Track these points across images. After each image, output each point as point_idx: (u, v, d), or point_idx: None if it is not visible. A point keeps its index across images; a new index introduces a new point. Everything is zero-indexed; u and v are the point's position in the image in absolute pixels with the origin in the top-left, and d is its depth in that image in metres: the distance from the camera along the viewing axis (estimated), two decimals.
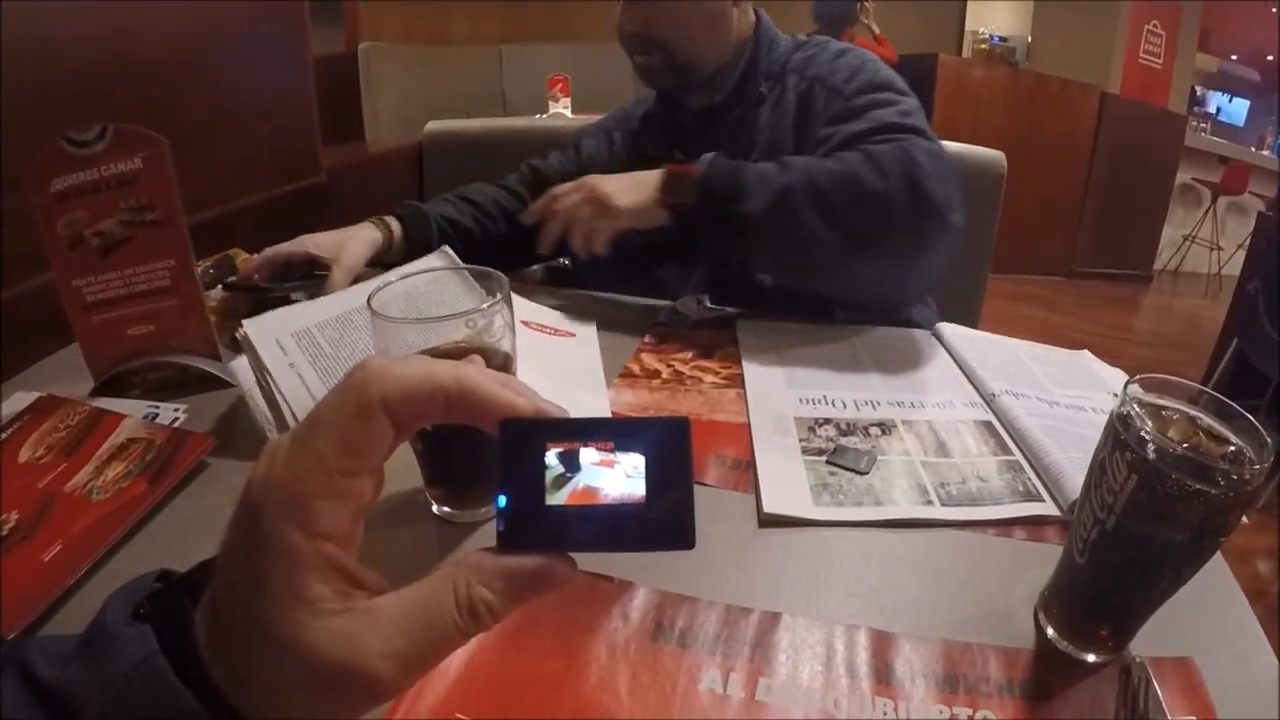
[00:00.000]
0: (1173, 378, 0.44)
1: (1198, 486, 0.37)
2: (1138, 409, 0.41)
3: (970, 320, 1.26)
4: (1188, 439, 0.41)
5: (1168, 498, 0.38)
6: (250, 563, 0.27)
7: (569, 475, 0.28)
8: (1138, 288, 5.32)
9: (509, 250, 1.13)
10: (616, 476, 0.28)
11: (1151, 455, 0.39)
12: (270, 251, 0.94)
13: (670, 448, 0.29)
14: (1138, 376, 0.44)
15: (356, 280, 0.90)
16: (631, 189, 0.88)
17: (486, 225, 1.14)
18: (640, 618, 0.48)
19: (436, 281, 0.57)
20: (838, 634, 0.47)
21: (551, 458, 0.28)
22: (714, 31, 1.02)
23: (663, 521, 0.28)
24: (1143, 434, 0.39)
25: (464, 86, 3.74)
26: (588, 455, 0.28)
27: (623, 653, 0.45)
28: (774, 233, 0.84)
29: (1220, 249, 5.41)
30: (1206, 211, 5.48)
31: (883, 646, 0.46)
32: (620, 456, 0.28)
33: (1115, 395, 0.43)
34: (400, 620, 0.27)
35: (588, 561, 0.30)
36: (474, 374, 0.29)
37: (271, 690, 0.27)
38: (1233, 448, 0.41)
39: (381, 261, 0.99)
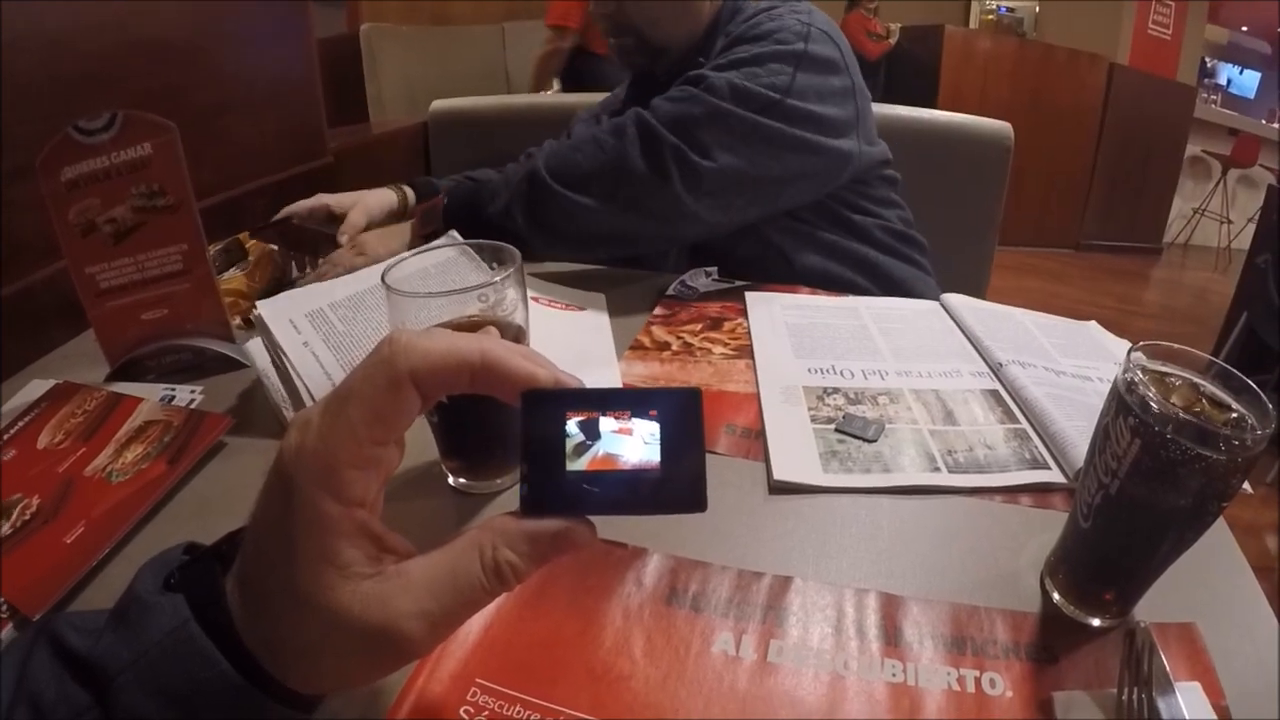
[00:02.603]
0: (1177, 345, 0.44)
1: (1200, 451, 0.37)
2: (1142, 375, 0.42)
3: (977, 292, 1.25)
4: (1191, 405, 0.42)
5: (1170, 462, 0.39)
6: (283, 530, 0.28)
7: (589, 443, 0.29)
8: (1147, 260, 5.29)
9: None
10: (635, 444, 0.29)
11: (1155, 420, 0.39)
12: (289, 208, 0.99)
13: (684, 416, 0.30)
14: (1142, 343, 0.44)
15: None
16: (388, 237, 0.97)
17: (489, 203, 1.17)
18: (654, 583, 0.49)
19: (448, 260, 0.57)
20: (848, 597, 0.48)
21: (572, 426, 0.29)
22: (684, 12, 1.01)
23: (677, 486, 0.29)
24: (1146, 399, 0.40)
25: (467, 65, 3.72)
26: (607, 424, 0.29)
27: (637, 617, 0.46)
28: (529, 217, 0.92)
29: (1230, 222, 5.36)
30: (1216, 184, 5.43)
31: (892, 609, 0.47)
32: (636, 424, 0.29)
33: (1120, 365, 0.44)
34: (429, 582, 0.28)
35: (603, 528, 0.31)
36: (497, 347, 0.29)
37: (304, 653, 0.28)
38: (1235, 414, 0.41)
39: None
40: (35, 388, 0.71)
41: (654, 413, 0.30)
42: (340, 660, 0.29)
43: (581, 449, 0.29)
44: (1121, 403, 0.41)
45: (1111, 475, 0.42)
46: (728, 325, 0.86)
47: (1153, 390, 0.40)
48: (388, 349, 0.28)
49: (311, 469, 0.27)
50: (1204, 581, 0.49)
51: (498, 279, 0.50)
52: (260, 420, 0.66)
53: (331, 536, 0.27)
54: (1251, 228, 3.16)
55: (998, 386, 0.72)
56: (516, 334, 0.52)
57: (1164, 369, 0.44)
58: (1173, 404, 0.40)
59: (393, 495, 0.33)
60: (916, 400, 0.69)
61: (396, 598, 0.28)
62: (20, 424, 0.65)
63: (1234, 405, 0.42)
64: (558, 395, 0.30)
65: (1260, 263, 2.51)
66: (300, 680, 0.29)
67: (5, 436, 0.64)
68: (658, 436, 0.29)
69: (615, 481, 0.29)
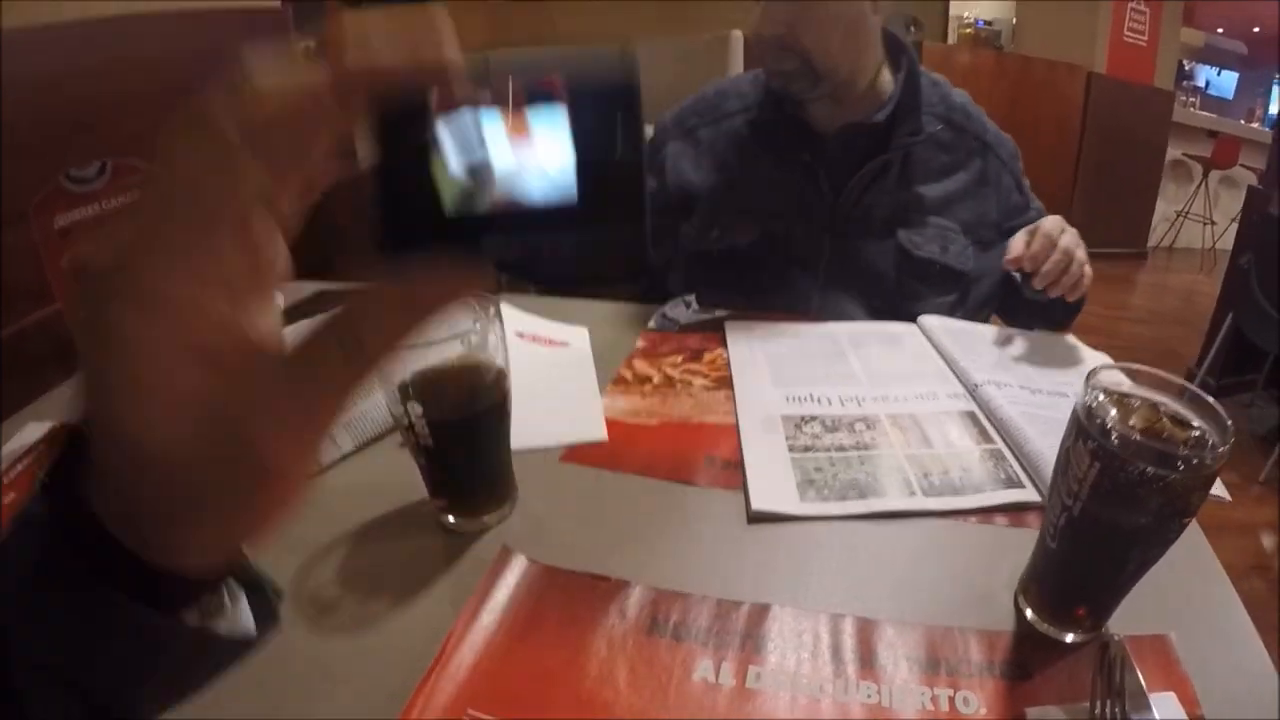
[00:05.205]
0: (1137, 365, 0.46)
1: (1157, 471, 0.39)
2: (1101, 398, 0.43)
3: None
4: (1151, 425, 0.43)
5: (1129, 483, 0.40)
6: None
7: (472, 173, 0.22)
8: (1132, 265, 5.32)
9: None
10: (530, 152, 0.21)
11: (1113, 444, 0.40)
12: None
13: (608, 101, 0.21)
14: (1101, 365, 0.46)
15: None
16: None
17: None
18: (636, 614, 0.50)
19: None
20: (823, 622, 0.49)
21: (447, 142, 0.21)
22: (854, 39, 0.96)
23: (600, 204, 0.21)
24: (1103, 423, 0.41)
25: None
26: (491, 131, 0.21)
27: (620, 647, 0.47)
28: None
29: (1213, 224, 5.41)
30: (1198, 187, 5.48)
31: (867, 633, 0.48)
32: (534, 117, 0.21)
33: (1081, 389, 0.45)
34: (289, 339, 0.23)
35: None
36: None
37: (138, 402, 0.21)
38: (1196, 432, 0.43)
39: None
40: (33, 430, 0.71)
41: (559, 95, 0.21)
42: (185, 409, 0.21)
43: (464, 190, 0.21)
44: (1080, 427, 0.43)
45: (1073, 497, 0.43)
46: (708, 356, 0.86)
47: (1112, 412, 0.42)
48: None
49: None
50: (1181, 590, 0.51)
51: (477, 323, 0.51)
52: None
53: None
54: (1234, 228, 3.19)
55: (973, 407, 0.73)
56: (498, 375, 0.53)
57: (1124, 390, 0.46)
58: (1131, 425, 0.41)
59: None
60: (893, 425, 0.70)
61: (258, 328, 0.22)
62: (19, 466, 0.66)
63: (1194, 423, 0.43)
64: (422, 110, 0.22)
65: (1244, 263, 2.53)
66: (160, 534, 0.23)
67: (5, 480, 0.64)
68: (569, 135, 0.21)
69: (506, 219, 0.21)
